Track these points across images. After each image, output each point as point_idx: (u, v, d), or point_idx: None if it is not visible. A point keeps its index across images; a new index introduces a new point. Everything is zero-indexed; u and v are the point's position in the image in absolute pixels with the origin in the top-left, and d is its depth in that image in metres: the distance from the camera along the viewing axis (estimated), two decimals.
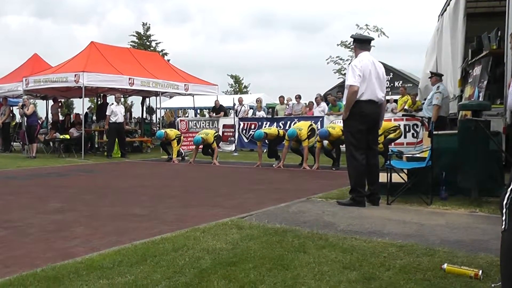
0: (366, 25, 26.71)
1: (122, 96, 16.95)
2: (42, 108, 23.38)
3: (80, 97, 16.43)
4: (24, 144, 16.37)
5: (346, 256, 3.65)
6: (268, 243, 4.08)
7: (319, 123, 14.57)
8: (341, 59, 28.27)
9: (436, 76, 10.09)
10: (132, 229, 4.93)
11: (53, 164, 13.03)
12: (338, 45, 27.87)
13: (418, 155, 7.03)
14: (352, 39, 6.73)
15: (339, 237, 4.28)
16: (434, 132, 6.48)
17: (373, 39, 6.88)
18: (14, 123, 19.40)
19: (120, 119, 15.10)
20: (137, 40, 43.60)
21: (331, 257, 3.62)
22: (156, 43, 44.33)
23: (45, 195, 7.49)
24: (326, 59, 28.65)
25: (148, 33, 44.37)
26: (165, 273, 3.33)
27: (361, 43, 6.38)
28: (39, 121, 18.10)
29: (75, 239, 4.55)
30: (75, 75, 14.45)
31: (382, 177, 6.20)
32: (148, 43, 43.50)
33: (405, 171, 6.46)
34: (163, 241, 4.21)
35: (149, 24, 44.86)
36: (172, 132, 13.62)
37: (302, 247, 3.91)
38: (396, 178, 6.25)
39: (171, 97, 23.91)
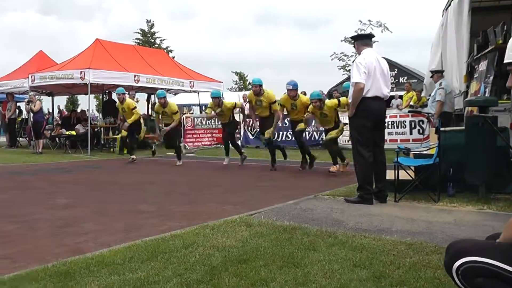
0: (369, 20, 26.56)
1: (135, 92, 16.93)
2: (48, 105, 23.49)
3: (86, 94, 16.50)
4: (31, 140, 16.46)
5: (356, 254, 3.65)
6: (278, 240, 4.09)
7: None
8: (345, 55, 28.12)
9: (437, 74, 10.10)
10: (141, 225, 4.96)
11: (59, 160, 13.08)
12: (342, 41, 27.70)
13: (425, 152, 7.03)
14: (353, 39, 6.76)
15: (348, 235, 4.28)
16: (441, 129, 6.48)
17: (373, 35, 6.93)
18: (20, 119, 19.48)
19: None
20: (141, 37, 43.65)
21: (341, 255, 3.63)
22: (161, 40, 44.42)
23: (52, 191, 7.53)
24: (331, 55, 28.49)
25: (152, 30, 44.43)
26: (176, 270, 3.34)
27: (362, 39, 6.42)
28: (45, 117, 18.18)
29: (84, 235, 4.59)
30: (81, 72, 14.49)
31: (389, 174, 6.20)
32: (152, 40, 43.55)
33: (413, 168, 6.46)
34: (173, 238, 4.23)
35: (153, 21, 45.09)
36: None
37: (312, 245, 3.91)
38: (403, 175, 6.25)
39: (176, 94, 23.92)
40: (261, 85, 10.35)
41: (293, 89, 9.92)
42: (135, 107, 12.64)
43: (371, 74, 5.92)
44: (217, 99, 11.31)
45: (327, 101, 9.74)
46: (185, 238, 4.19)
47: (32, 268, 3.44)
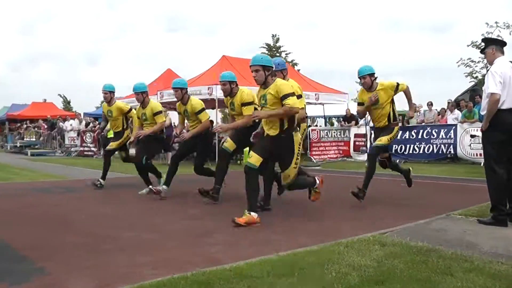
0: (496, 22, 24.75)
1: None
2: (175, 120, 24.94)
3: (213, 108, 17.30)
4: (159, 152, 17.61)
5: (495, 283, 3.52)
6: (413, 262, 4.05)
7: (452, 131, 14.10)
8: (472, 61, 26.43)
9: None
10: (273, 239, 5.08)
11: (188, 171, 13.65)
12: (468, 46, 26.07)
13: None
14: (489, 42, 6.38)
15: (484, 260, 4.14)
16: None
17: (506, 43, 6.56)
18: None
19: None
20: (267, 52, 44.56)
21: (479, 283, 3.52)
22: (286, 54, 44.98)
23: (183, 201, 8.05)
24: (457, 62, 26.85)
25: (277, 44, 45.17)
26: None
27: (501, 45, 6.07)
28: (174, 131, 19.36)
29: (218, 246, 4.80)
30: (208, 88, 15.26)
31: None
32: (278, 54, 44.24)
33: None
34: (308, 254, 4.32)
35: (279, 36, 45.71)
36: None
37: (448, 269, 3.84)
38: None
39: None
40: (230, 82, 7.37)
41: (277, 70, 6.59)
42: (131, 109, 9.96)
43: (506, 84, 5.65)
44: (179, 90, 8.08)
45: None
46: (319, 255, 4.26)
47: (172, 276, 3.68)
